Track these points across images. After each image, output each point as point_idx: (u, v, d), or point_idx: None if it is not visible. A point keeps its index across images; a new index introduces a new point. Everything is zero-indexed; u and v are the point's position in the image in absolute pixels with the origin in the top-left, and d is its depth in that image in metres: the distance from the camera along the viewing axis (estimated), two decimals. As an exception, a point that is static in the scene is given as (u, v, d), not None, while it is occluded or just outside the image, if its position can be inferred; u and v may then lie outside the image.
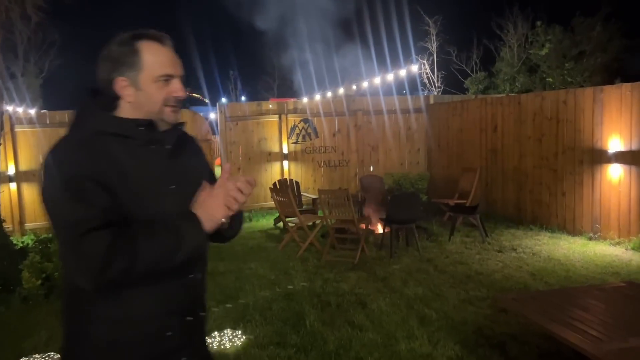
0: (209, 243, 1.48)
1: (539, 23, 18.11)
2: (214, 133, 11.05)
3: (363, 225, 6.65)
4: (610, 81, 7.42)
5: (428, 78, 20.51)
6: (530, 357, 3.49)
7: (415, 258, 6.29)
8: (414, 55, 19.27)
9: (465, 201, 8.22)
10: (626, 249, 6.27)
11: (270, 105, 10.57)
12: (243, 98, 36.06)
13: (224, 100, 31.14)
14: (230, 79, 35.96)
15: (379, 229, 7.42)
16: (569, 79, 17.04)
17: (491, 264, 5.91)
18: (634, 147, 6.37)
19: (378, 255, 6.48)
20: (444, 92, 20.29)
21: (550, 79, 17.83)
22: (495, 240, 7.01)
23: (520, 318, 3.70)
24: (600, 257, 6.04)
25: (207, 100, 29.54)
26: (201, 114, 11.65)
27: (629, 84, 6.55)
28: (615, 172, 6.65)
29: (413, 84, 20.40)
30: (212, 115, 12.07)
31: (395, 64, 17.82)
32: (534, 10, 18.74)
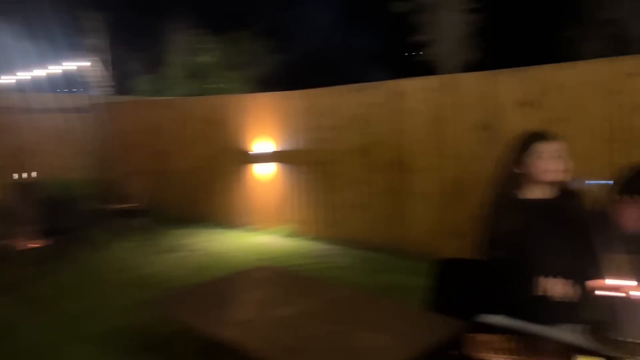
0: None
1: (202, 31, 19.22)
2: None
3: (13, 240, 5.79)
4: (266, 90, 8.41)
5: (96, 77, 19.23)
6: (194, 351, 3.62)
7: (77, 270, 5.80)
8: (79, 51, 17.80)
9: (132, 205, 8.04)
10: (276, 237, 7.22)
11: None
12: None
13: None
14: None
15: (33, 242, 6.56)
16: (230, 86, 18.64)
17: (157, 266, 5.94)
18: (279, 148, 7.38)
19: (31, 273, 5.70)
20: (117, 92, 19.47)
21: (213, 86, 19.19)
22: (163, 242, 7.09)
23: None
24: (256, 246, 6.81)
25: None
26: None
27: (276, 93, 7.53)
28: (263, 170, 7.58)
29: (80, 82, 18.84)
30: None
31: (58, 58, 16.11)
32: (199, 18, 19.77)
